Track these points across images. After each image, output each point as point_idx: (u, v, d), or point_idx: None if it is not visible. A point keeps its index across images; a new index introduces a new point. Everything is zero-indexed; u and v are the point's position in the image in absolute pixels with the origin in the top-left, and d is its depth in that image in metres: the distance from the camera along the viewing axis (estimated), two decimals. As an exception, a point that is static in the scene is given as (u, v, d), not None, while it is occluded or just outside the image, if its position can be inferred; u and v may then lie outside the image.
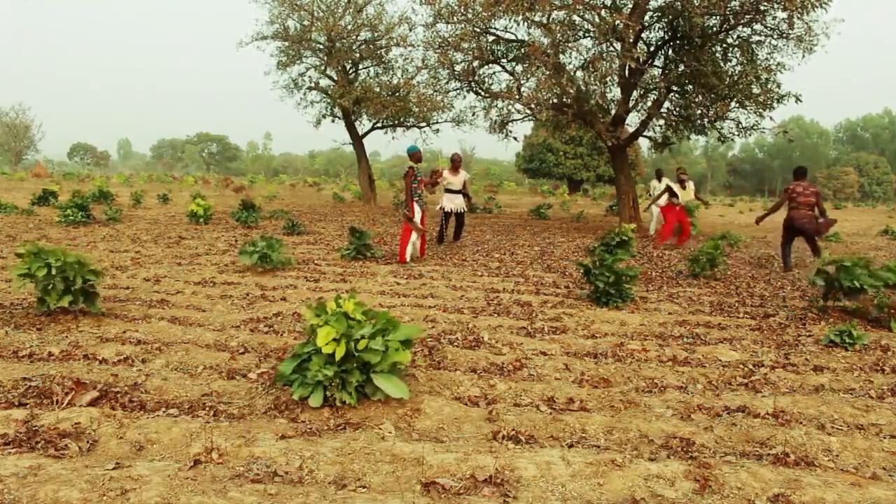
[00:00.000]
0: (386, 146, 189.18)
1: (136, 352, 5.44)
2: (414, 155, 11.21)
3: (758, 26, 16.98)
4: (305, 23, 26.34)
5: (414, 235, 11.00)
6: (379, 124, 28.79)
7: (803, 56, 17.13)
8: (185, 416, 4.14)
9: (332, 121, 29.50)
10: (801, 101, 17.30)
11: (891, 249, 17.42)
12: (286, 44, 26.56)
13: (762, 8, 15.91)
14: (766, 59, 17.53)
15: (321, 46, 26.84)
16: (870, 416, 4.59)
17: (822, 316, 7.94)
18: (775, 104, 17.18)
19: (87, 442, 3.69)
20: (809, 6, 15.56)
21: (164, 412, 4.20)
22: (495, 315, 7.47)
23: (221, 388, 4.70)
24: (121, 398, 4.36)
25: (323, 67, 27.25)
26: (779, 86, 17.23)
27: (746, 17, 16.41)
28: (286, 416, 4.24)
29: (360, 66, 28.14)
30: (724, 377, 5.40)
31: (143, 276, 9.14)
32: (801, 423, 4.43)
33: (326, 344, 4.27)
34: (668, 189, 15.77)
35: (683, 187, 15.64)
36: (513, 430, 4.12)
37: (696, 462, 3.70)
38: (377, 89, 26.93)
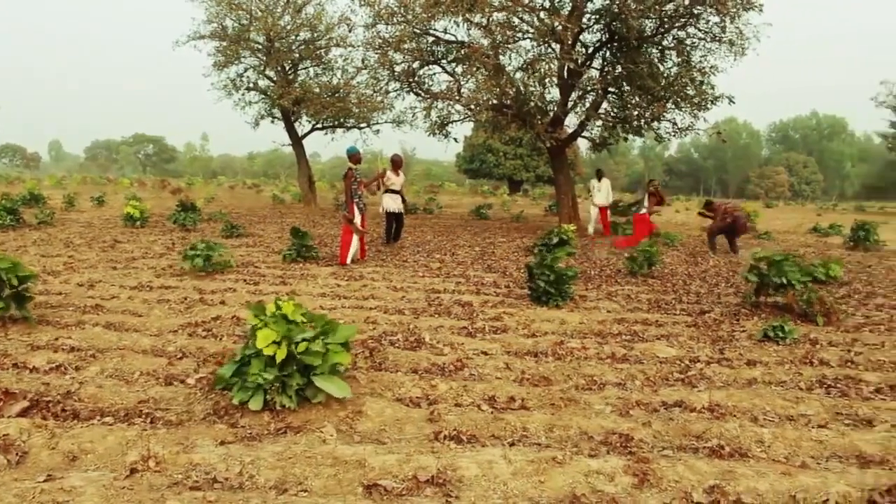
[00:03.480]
0: (325, 147, 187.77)
1: (69, 359, 5.31)
2: (354, 156, 11.16)
3: (692, 29, 17.34)
4: (244, 22, 25.93)
5: (354, 237, 10.95)
6: (319, 125, 28.53)
7: (735, 59, 17.56)
8: (121, 424, 4.05)
9: (272, 122, 29.14)
10: (733, 102, 17.70)
11: (819, 246, 17.98)
12: (224, 44, 26.08)
13: (696, 12, 16.26)
14: (701, 61, 17.88)
15: (260, 46, 26.47)
16: (799, 407, 4.74)
17: (755, 312, 8.16)
18: (709, 105, 17.54)
19: (16, 454, 3.58)
20: (741, 10, 15.98)
21: (98, 421, 4.10)
22: (436, 316, 7.48)
23: (159, 394, 4.61)
24: (52, 407, 4.24)
25: (262, 68, 26.88)
26: (713, 87, 17.61)
27: (681, 20, 16.77)
28: (226, 421, 4.18)
29: (300, 67, 27.85)
30: (662, 373, 5.51)
31: (76, 281, 8.88)
32: (735, 416, 4.55)
33: (266, 347, 4.22)
34: (641, 200, 16.01)
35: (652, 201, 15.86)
36: (454, 429, 4.14)
37: (635, 457, 3.77)
38: (317, 90, 26.73)
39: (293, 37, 26.74)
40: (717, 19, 16.35)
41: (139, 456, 3.56)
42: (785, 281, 7.99)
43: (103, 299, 7.77)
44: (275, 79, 27.10)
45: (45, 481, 3.22)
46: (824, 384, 5.29)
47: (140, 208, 16.90)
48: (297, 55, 26.92)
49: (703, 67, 17.69)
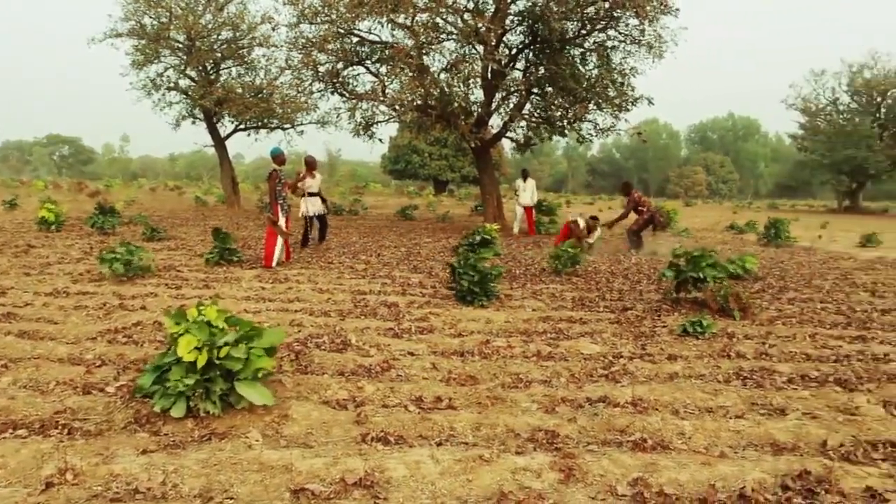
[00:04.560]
0: (248, 148, 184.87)
1: (-22, 370, 5.09)
2: (277, 157, 11.02)
3: (612, 32, 17.74)
4: (163, 20, 25.28)
5: (279, 239, 10.81)
6: (242, 126, 28.07)
7: (654, 61, 18.03)
8: (36, 437, 3.90)
9: (193, 122, 28.51)
10: (653, 103, 18.15)
11: (736, 243, 18.57)
12: (143, 42, 25.42)
13: (616, 15, 16.62)
14: (621, 63, 18.30)
15: (180, 45, 25.89)
16: (718, 399, 4.89)
17: (676, 307, 8.37)
18: (630, 106, 17.95)
19: (-79, 471, 3.42)
20: (658, 14, 16.40)
21: (10, 434, 3.94)
22: (362, 317, 7.45)
23: (76, 404, 4.46)
24: (-40, 421, 4.06)
25: (182, 67, 26.28)
26: (633, 89, 18.02)
27: (601, 23, 17.13)
28: (147, 429, 4.07)
29: (222, 67, 27.37)
30: (586, 370, 5.60)
31: (-15, 287, 8.54)
32: (657, 409, 4.66)
33: (188, 353, 4.13)
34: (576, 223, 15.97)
35: (589, 233, 15.81)
36: (382, 431, 4.12)
37: (561, 453, 3.83)
38: (239, 90, 26.29)
39: (215, 36, 26.28)
40: (636, 22, 16.75)
41: (55, 469, 3.43)
42: (701, 276, 8.23)
43: (16, 307, 7.47)
44: (196, 79, 26.56)
45: (-48, 498, 3.08)
46: (741, 376, 5.46)
47: (56, 212, 16.32)
48: (219, 55, 26.46)
49: (624, 69, 18.14)
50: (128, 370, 5.20)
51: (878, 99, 50.26)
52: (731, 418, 4.52)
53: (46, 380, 4.94)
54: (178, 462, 3.56)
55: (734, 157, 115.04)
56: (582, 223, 14.86)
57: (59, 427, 4.06)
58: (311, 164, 13.20)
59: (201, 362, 4.14)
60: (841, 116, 52.58)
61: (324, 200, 13.68)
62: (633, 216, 15.53)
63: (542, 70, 18.40)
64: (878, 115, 50.66)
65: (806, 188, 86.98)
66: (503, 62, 17.87)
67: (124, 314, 7.28)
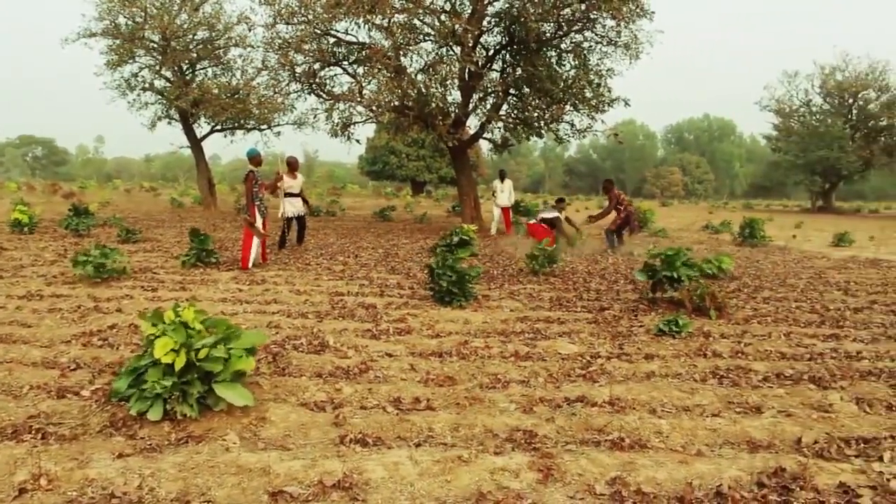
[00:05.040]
0: (225, 149, 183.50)
1: (-50, 375, 5.01)
2: (254, 158, 10.95)
3: (589, 33, 17.84)
4: (138, 20, 25.00)
5: (256, 240, 10.75)
6: (218, 127, 27.88)
7: (630, 62, 18.14)
8: (9, 442, 3.85)
9: (169, 123, 28.26)
10: (629, 104, 18.27)
11: (711, 243, 18.72)
12: (117, 42, 25.14)
13: (592, 16, 16.73)
14: (598, 64, 18.41)
15: (155, 45, 25.64)
16: (695, 398, 4.92)
17: (652, 307, 8.43)
18: (606, 107, 18.07)
19: None
20: (635, 16, 16.52)
21: (-17, 439, 3.89)
22: (340, 318, 7.43)
23: (51, 408, 4.41)
24: (-70, 427, 4.00)
25: (158, 67, 26.03)
26: (609, 90, 18.13)
27: (578, 24, 17.21)
28: (123, 433, 4.03)
29: (198, 67, 27.16)
30: (564, 369, 5.62)
31: (-43, 291, 8.42)
32: (634, 408, 4.68)
33: (165, 355, 4.10)
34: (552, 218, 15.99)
35: (560, 214, 15.96)
36: (360, 432, 4.11)
37: (539, 453, 3.84)
38: (216, 91, 26.10)
39: (190, 36, 26.06)
40: (612, 24, 16.86)
41: (29, 475, 3.39)
42: (676, 276, 8.29)
43: (-12, 310, 7.38)
44: (171, 79, 26.33)
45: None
46: (717, 375, 5.51)
47: (29, 213, 16.09)
48: (195, 55, 26.24)
49: (600, 70, 18.24)
50: (103, 373, 5.15)
51: (850, 101, 50.90)
52: (707, 417, 4.56)
53: (20, 384, 4.87)
54: (154, 466, 3.53)
55: (710, 157, 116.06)
56: (563, 216, 15.19)
57: (33, 432, 4.01)
58: (292, 165, 13.15)
59: (179, 364, 4.11)
60: (814, 118, 53.14)
61: (305, 202, 13.62)
62: (612, 215, 15.69)
63: (519, 71, 18.47)
64: (849, 116, 51.32)
65: (780, 188, 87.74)
66: (480, 63, 17.91)
67: (99, 317, 7.21)
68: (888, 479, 3.55)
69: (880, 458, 3.89)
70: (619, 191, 15.59)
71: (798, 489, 3.43)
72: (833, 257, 15.66)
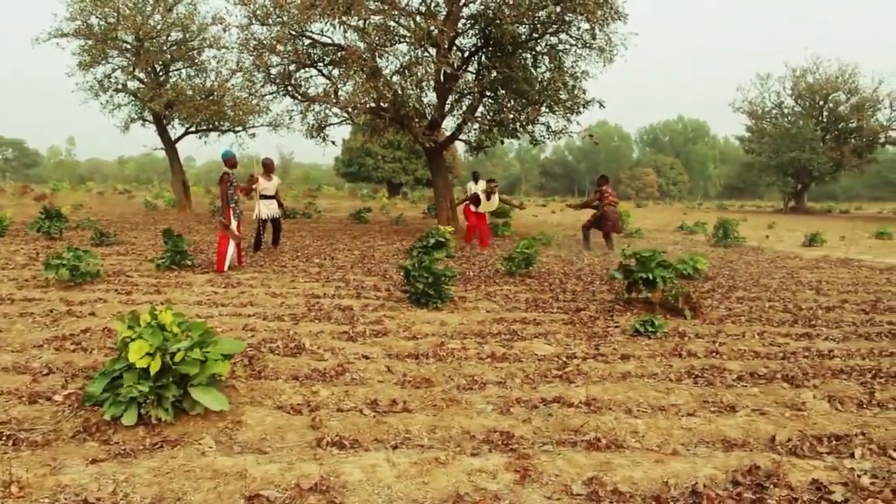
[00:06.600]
0: (197, 150, 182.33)
1: (-82, 380, 4.93)
2: (229, 160, 10.86)
3: (564, 36, 17.93)
4: (111, 20, 24.67)
5: (231, 243, 10.68)
6: (192, 129, 27.64)
7: (605, 65, 18.25)
8: (-22, 449, 3.79)
9: (143, 125, 27.92)
10: (604, 106, 18.35)
11: (686, 244, 18.87)
12: (90, 42, 24.83)
13: (567, 19, 16.81)
14: (573, 66, 18.49)
15: (128, 46, 25.35)
16: (670, 397, 4.96)
17: (628, 308, 8.48)
18: (581, 109, 18.14)
19: None
20: (609, 19, 16.62)
21: (-48, 445, 3.83)
22: (316, 321, 7.40)
23: (22, 413, 4.35)
24: None
25: (131, 68, 25.71)
26: (584, 92, 18.20)
27: (553, 26, 17.29)
28: (97, 438, 3.99)
29: (172, 68, 26.88)
30: (541, 370, 5.64)
31: (-75, 295, 8.27)
32: (610, 408, 4.71)
33: (140, 358, 4.06)
34: (475, 196, 16.25)
35: (488, 199, 16.13)
36: (337, 435, 4.10)
37: (516, 453, 3.85)
38: (190, 92, 25.87)
39: (164, 37, 25.78)
40: (587, 26, 16.95)
41: (-1, 481, 3.35)
42: (651, 277, 8.35)
43: (-43, 314, 7.27)
44: (145, 80, 26.03)
45: None
46: (692, 374, 5.56)
47: (-1, 216, 15.90)
48: (169, 56, 25.98)
49: (575, 72, 18.31)
50: (76, 378, 5.09)
51: (821, 103, 51.55)
52: (683, 416, 4.59)
53: (-10, 389, 4.81)
54: (129, 471, 3.50)
55: (684, 159, 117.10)
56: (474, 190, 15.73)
57: (4, 438, 3.96)
58: (268, 167, 13.07)
59: (154, 368, 4.07)
60: (786, 119, 53.79)
61: (280, 204, 13.55)
62: (589, 211, 15.88)
63: (494, 73, 18.50)
64: (820, 118, 51.99)
65: (753, 189, 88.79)
66: (456, 65, 17.90)
67: (72, 321, 7.12)
68: (859, 476, 3.60)
69: (851, 455, 3.95)
70: (610, 190, 15.64)
71: (772, 486, 3.47)
72: (805, 257, 15.85)
